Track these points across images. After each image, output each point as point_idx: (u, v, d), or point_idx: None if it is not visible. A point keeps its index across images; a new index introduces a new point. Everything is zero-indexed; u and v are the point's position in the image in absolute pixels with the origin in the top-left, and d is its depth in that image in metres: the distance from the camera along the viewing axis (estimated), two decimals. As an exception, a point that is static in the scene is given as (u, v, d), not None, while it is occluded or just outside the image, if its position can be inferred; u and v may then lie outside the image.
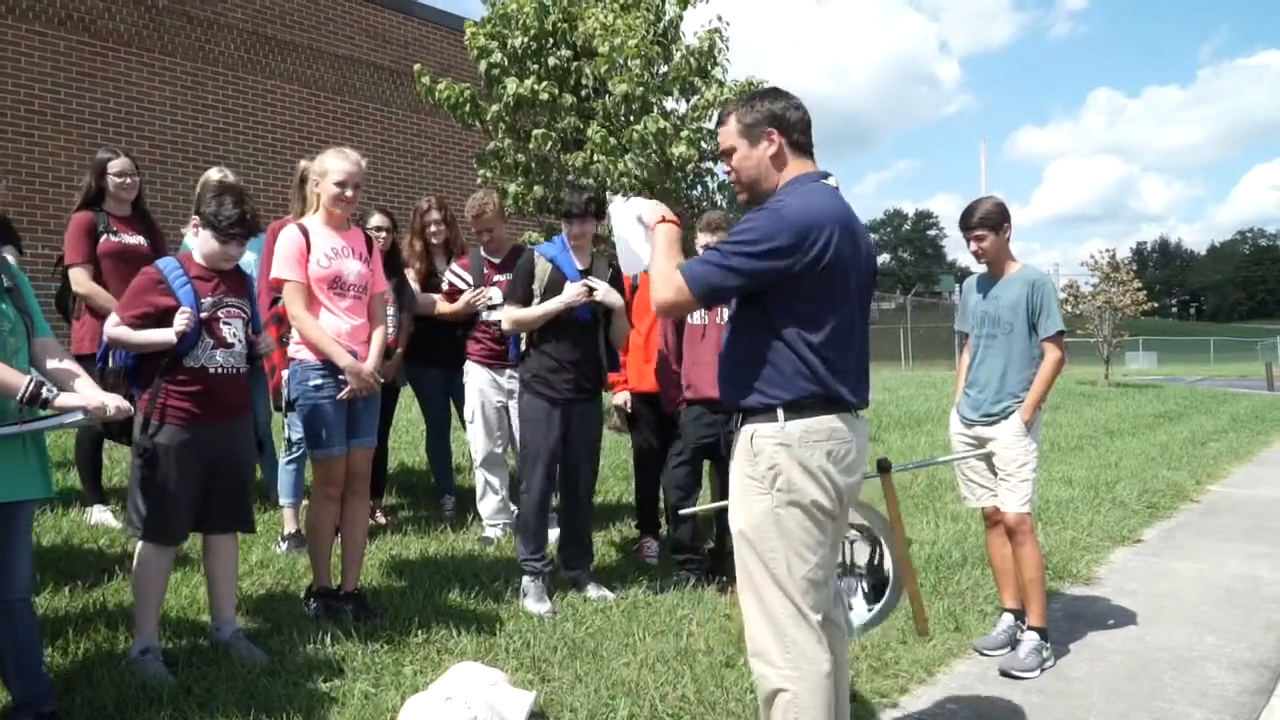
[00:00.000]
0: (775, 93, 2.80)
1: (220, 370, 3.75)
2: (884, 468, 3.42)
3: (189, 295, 3.69)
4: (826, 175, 2.76)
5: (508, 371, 5.56)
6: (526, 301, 4.77)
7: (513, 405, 5.56)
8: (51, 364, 3.17)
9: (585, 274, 4.79)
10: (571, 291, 4.67)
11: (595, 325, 4.81)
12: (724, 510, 2.93)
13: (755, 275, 2.56)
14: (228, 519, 3.90)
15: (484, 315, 5.63)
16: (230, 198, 3.77)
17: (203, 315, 3.70)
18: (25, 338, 3.12)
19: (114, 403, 3.11)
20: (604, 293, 4.71)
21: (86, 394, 3.11)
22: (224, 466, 3.80)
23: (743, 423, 2.70)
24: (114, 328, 3.68)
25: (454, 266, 5.87)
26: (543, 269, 4.79)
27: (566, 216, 4.88)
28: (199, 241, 3.81)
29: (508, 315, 4.83)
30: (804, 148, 2.77)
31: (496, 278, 5.66)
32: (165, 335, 3.62)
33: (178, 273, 3.73)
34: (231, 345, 3.79)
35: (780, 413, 2.61)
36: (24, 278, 3.30)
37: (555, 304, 4.67)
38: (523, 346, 4.89)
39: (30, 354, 3.14)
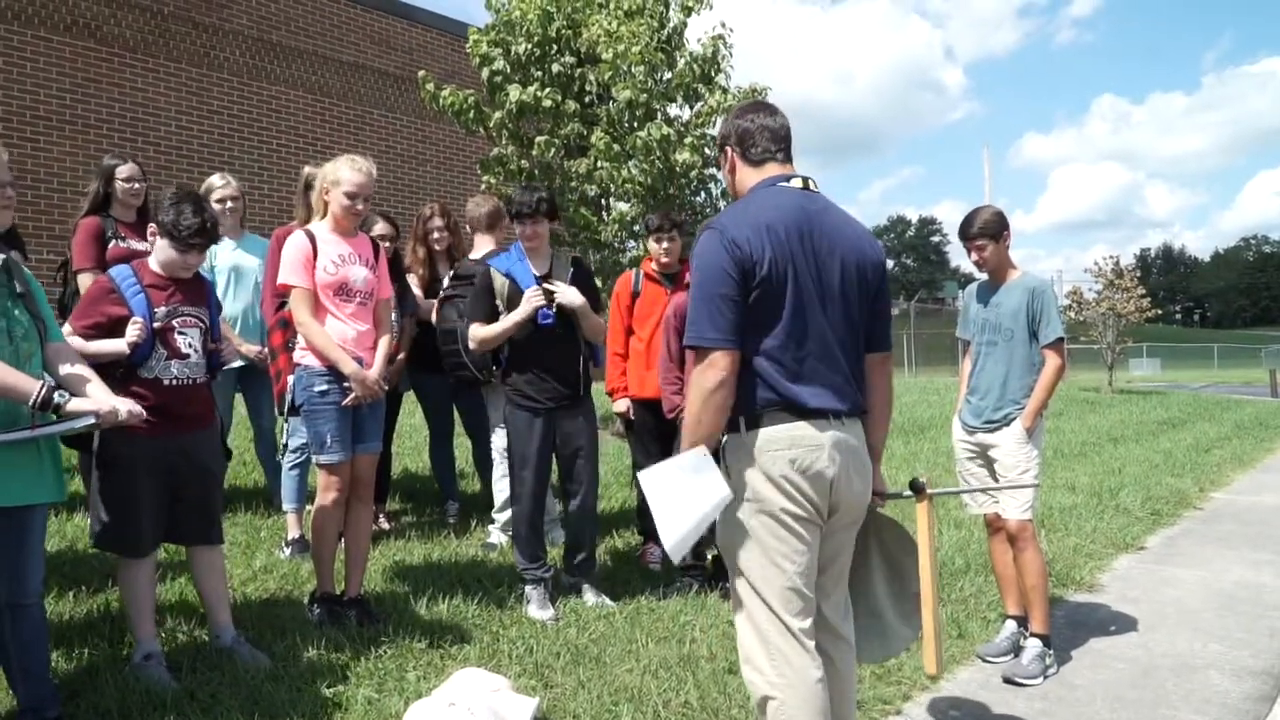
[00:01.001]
0: (744, 108, 2.86)
1: (175, 381, 3.66)
2: (917, 489, 3.21)
3: (141, 304, 3.61)
4: (789, 178, 2.73)
5: None
6: (490, 318, 4.72)
7: None
8: (64, 369, 3.18)
9: (544, 279, 4.72)
10: (528, 302, 4.61)
11: (567, 328, 4.73)
12: None
13: (738, 289, 2.54)
14: (196, 531, 3.84)
15: None
16: (189, 206, 3.66)
17: (156, 325, 3.61)
18: (39, 343, 3.13)
19: (125, 407, 3.11)
20: (563, 294, 4.65)
21: (99, 399, 3.12)
22: (188, 477, 3.72)
23: (725, 433, 2.69)
24: (67, 338, 3.54)
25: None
26: (500, 284, 4.72)
27: (517, 217, 4.73)
28: (156, 249, 3.72)
29: (472, 335, 4.78)
30: (765, 157, 2.76)
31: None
32: (117, 346, 3.53)
33: (130, 281, 3.64)
34: (187, 356, 3.70)
35: (741, 423, 2.61)
36: (37, 283, 3.31)
37: (514, 318, 4.62)
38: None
39: (44, 359, 3.15)
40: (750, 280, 2.53)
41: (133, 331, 3.55)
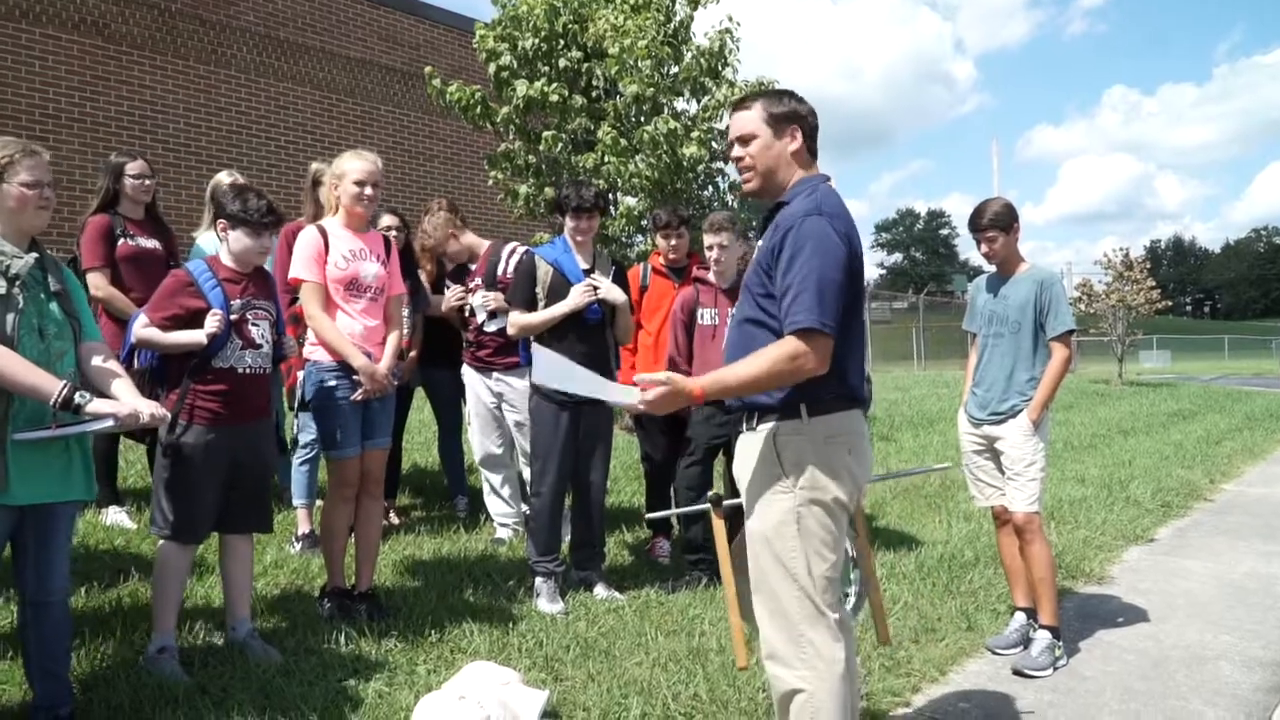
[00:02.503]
0: (794, 94, 2.83)
1: (248, 370, 3.81)
2: (714, 503, 3.24)
3: (219, 298, 3.75)
4: (828, 178, 2.79)
5: (495, 374, 5.59)
6: (530, 305, 4.76)
7: (505, 407, 5.59)
8: (95, 367, 3.21)
9: (588, 273, 4.78)
10: (577, 294, 4.66)
11: (601, 324, 4.80)
12: (737, 510, 2.92)
13: (847, 279, 2.57)
14: (248, 519, 3.94)
15: (482, 322, 5.63)
16: (251, 193, 3.87)
17: (232, 317, 3.76)
18: (72, 341, 3.15)
19: (148, 409, 3.13)
20: (606, 289, 4.71)
21: (125, 399, 3.14)
22: (247, 467, 3.84)
23: (759, 421, 2.69)
24: (143, 329, 3.73)
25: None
26: (544, 272, 4.76)
27: (574, 211, 4.77)
28: (230, 242, 3.85)
29: (513, 321, 4.83)
30: (815, 151, 2.81)
31: (475, 281, 5.69)
32: (196, 336, 3.68)
33: (207, 275, 3.79)
34: (260, 346, 3.85)
35: (804, 409, 2.61)
36: (75, 281, 3.33)
37: (562, 308, 4.66)
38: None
39: (77, 357, 3.17)
40: (853, 277, 2.59)
41: (212, 322, 3.68)
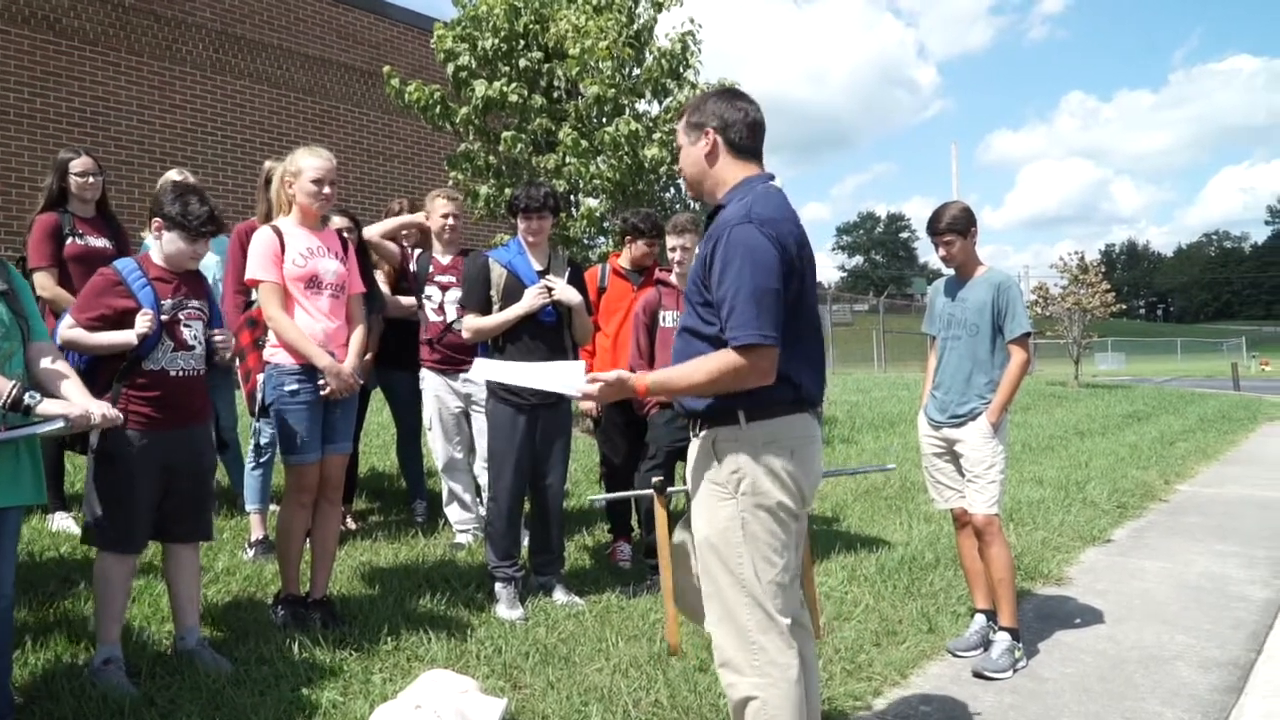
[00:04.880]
0: (726, 93, 2.78)
1: (181, 373, 3.68)
2: (659, 490, 3.18)
3: (149, 297, 3.63)
4: (771, 177, 2.74)
5: (461, 376, 5.53)
6: (485, 309, 4.70)
7: (472, 409, 5.54)
8: (43, 368, 3.13)
9: (543, 274, 4.72)
10: (531, 296, 4.61)
11: (558, 325, 4.74)
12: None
13: (784, 286, 2.53)
14: (187, 527, 3.81)
15: (451, 323, 5.55)
16: (194, 196, 3.72)
17: (164, 317, 3.64)
18: (20, 342, 3.08)
19: (99, 410, 3.08)
20: (561, 290, 4.66)
21: (76, 399, 3.08)
22: (185, 473, 3.72)
23: (701, 427, 2.67)
24: (69, 330, 3.60)
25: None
26: (498, 275, 4.70)
27: (525, 212, 4.72)
28: (164, 243, 3.71)
29: (467, 324, 4.76)
30: (747, 150, 2.73)
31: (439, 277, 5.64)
32: (126, 337, 3.55)
33: (137, 274, 3.66)
34: (192, 347, 3.73)
35: (741, 415, 2.59)
36: (22, 281, 3.26)
37: (516, 310, 4.61)
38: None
39: (25, 359, 3.09)
40: (789, 279, 2.54)
41: (143, 323, 3.55)
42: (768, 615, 2.57)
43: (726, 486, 2.59)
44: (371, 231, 5.92)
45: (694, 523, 2.70)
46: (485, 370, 3.08)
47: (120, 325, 3.58)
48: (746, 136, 2.71)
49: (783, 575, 2.60)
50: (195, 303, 3.78)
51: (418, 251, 5.87)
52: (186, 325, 3.72)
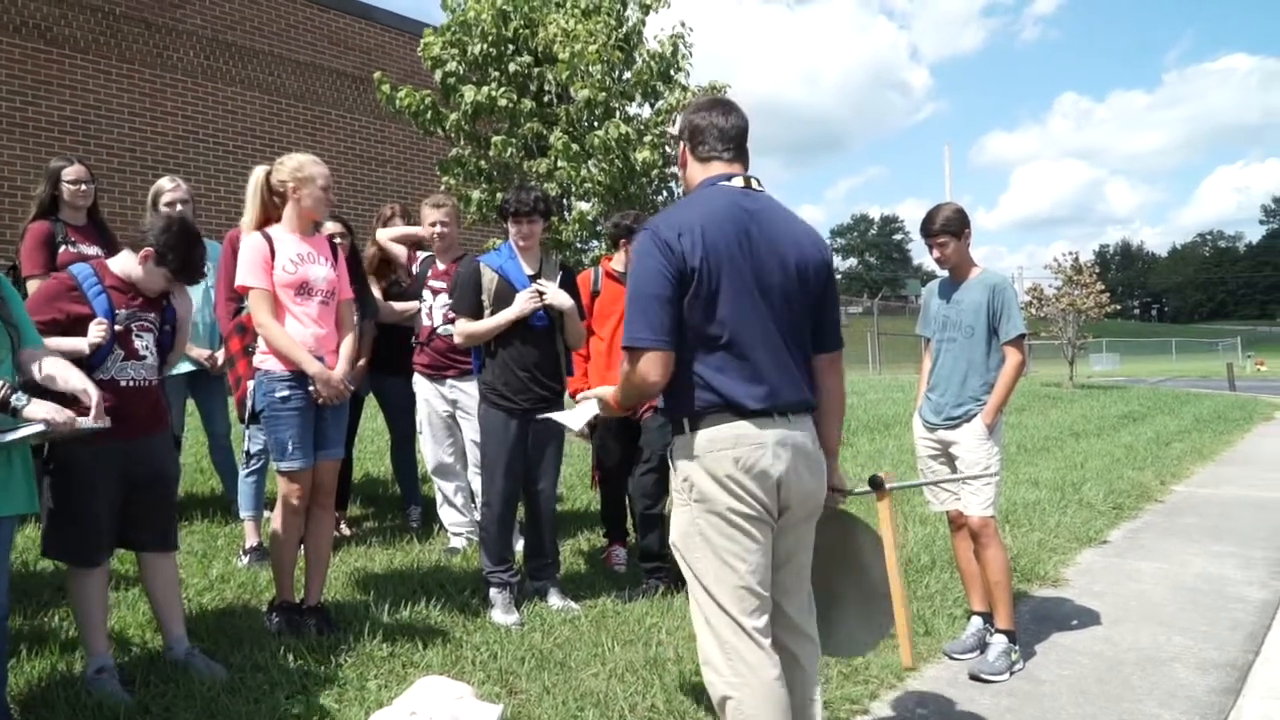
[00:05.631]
0: (701, 104, 2.88)
1: (131, 383, 3.60)
2: (876, 485, 3.25)
3: (104, 305, 3.54)
4: (730, 177, 2.73)
5: (449, 381, 5.52)
6: (476, 313, 4.69)
7: (459, 415, 5.52)
8: (42, 365, 3.12)
9: (534, 278, 4.70)
10: (522, 301, 4.59)
11: (550, 330, 4.73)
12: None
13: (673, 290, 2.54)
14: (150, 537, 3.74)
15: (437, 327, 5.54)
16: (199, 246, 3.71)
17: (116, 327, 3.55)
18: (10, 349, 3.06)
19: (90, 416, 3.06)
20: (553, 295, 4.64)
21: (75, 382, 3.07)
22: (141, 483, 3.63)
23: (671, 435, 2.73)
24: None
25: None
26: (489, 279, 4.68)
27: (514, 216, 4.71)
28: (145, 270, 3.62)
29: (459, 329, 4.75)
30: (712, 155, 2.78)
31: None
32: (77, 345, 3.44)
33: (93, 280, 3.57)
34: (144, 357, 3.65)
35: (685, 424, 2.62)
36: (12, 290, 3.23)
37: (507, 315, 4.59)
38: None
39: (16, 365, 3.08)
40: (685, 280, 2.53)
41: (96, 332, 3.46)
42: (732, 618, 2.58)
43: (682, 493, 2.65)
44: (384, 235, 5.98)
45: (671, 528, 2.74)
46: (560, 418, 3.34)
47: (71, 331, 3.48)
48: (705, 143, 2.79)
49: (746, 578, 2.57)
50: (149, 315, 3.69)
51: (422, 255, 5.86)
52: (138, 336, 3.64)
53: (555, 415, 3.21)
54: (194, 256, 3.66)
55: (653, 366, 2.53)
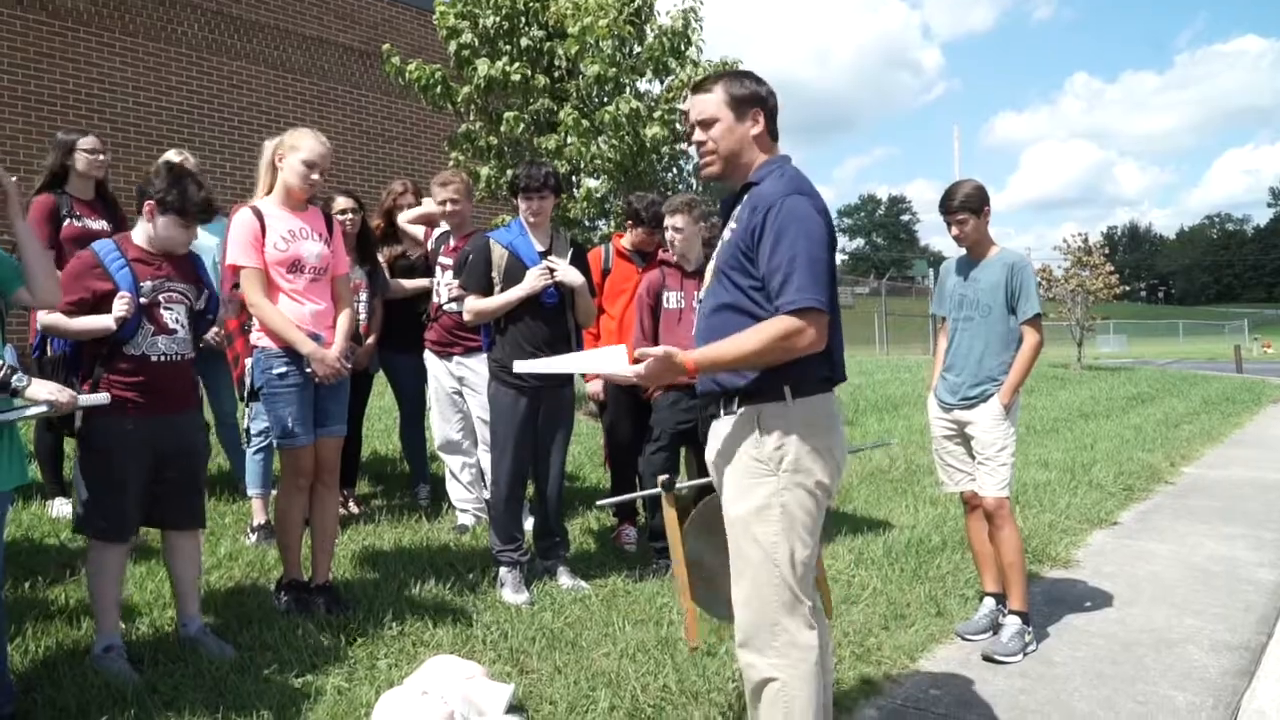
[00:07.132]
0: (757, 76, 2.78)
1: (163, 358, 3.58)
2: (667, 487, 3.16)
3: (127, 279, 3.52)
4: (789, 159, 2.76)
5: (455, 357, 5.48)
6: (487, 290, 4.64)
7: (466, 392, 5.48)
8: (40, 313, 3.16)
9: (545, 255, 4.65)
10: (533, 278, 4.54)
11: (560, 307, 4.68)
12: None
13: (831, 256, 2.58)
14: (179, 514, 3.74)
15: (444, 304, 5.50)
16: (191, 182, 3.63)
17: (143, 300, 3.53)
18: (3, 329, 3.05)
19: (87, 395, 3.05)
20: (563, 272, 4.59)
21: (60, 384, 3.04)
22: (172, 459, 3.62)
23: (740, 404, 2.62)
24: (48, 315, 3.50)
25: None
26: (499, 256, 4.63)
27: (525, 192, 4.65)
28: (158, 226, 3.60)
29: (469, 306, 4.70)
30: (776, 134, 2.77)
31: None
32: (103, 322, 3.45)
33: (115, 255, 3.55)
34: (174, 331, 3.62)
35: (788, 391, 2.56)
36: (13, 265, 3.21)
37: (518, 292, 4.54)
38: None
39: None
40: (831, 254, 2.58)
41: (120, 306, 3.45)
42: (795, 596, 2.54)
43: (769, 464, 2.56)
44: (404, 219, 5.96)
45: (726, 502, 2.66)
46: (528, 366, 3.07)
47: (99, 308, 3.48)
48: (775, 123, 2.77)
49: (811, 557, 2.59)
50: (178, 285, 3.66)
51: (437, 231, 5.80)
52: (167, 309, 3.61)
53: (594, 368, 3.02)
54: (191, 192, 3.59)
55: (822, 330, 2.49)
